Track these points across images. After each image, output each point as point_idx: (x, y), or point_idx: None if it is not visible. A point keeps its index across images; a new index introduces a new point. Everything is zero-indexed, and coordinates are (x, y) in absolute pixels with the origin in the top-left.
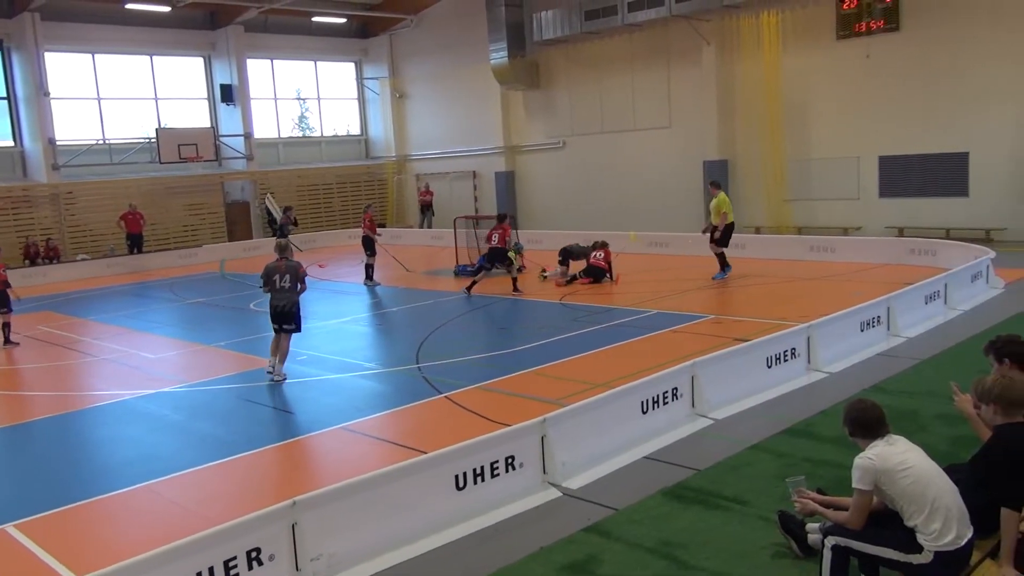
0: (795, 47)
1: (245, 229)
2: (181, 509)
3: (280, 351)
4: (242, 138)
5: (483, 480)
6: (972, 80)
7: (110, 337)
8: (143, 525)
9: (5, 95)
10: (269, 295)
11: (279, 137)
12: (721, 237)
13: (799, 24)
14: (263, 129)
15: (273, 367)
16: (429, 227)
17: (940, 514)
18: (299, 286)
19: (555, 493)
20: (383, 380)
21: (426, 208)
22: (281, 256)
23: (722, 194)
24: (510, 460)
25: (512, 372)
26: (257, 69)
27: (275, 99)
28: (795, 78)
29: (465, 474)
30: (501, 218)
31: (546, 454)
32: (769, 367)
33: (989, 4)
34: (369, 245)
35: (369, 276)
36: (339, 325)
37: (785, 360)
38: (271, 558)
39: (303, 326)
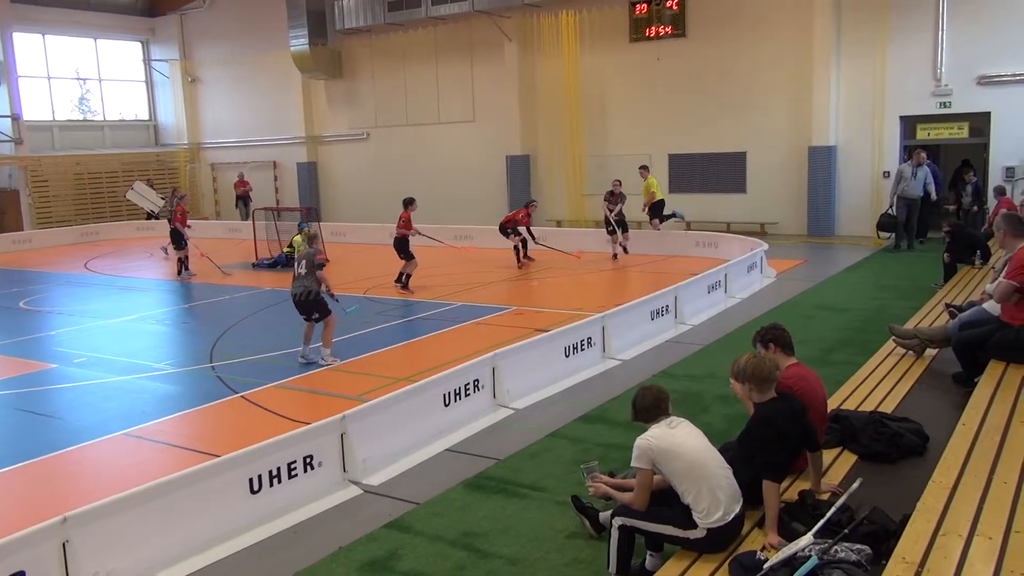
0: (592, 47)
1: (15, 220)
2: None
3: (308, 337)
4: (8, 119)
5: (280, 482)
6: (749, 85)
7: None
8: None
9: None
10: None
11: (54, 120)
12: (651, 212)
13: (596, 25)
14: (36, 111)
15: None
16: (252, 219)
17: (709, 493)
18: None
19: (356, 491)
20: (174, 381)
21: (243, 199)
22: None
23: (651, 177)
24: (308, 459)
25: (312, 369)
26: (27, 44)
27: (48, 78)
28: (593, 77)
29: (260, 476)
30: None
31: (346, 452)
32: (567, 356)
33: (760, 18)
34: (177, 238)
35: (184, 269)
36: (125, 323)
37: (582, 349)
38: None
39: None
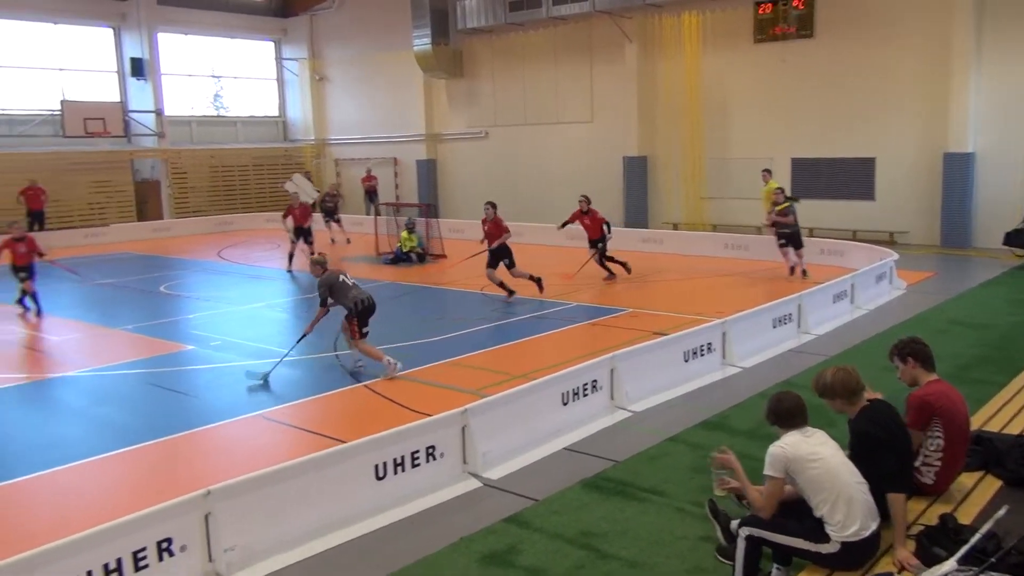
0: (715, 48)
1: (155, 208)
2: (87, 499)
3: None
4: (153, 115)
5: (403, 470)
6: (879, 87)
7: (10, 318)
8: (46, 514)
9: None
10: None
11: (193, 115)
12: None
13: (719, 26)
14: (176, 106)
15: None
16: (378, 214)
17: (844, 505)
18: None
19: (475, 483)
20: (300, 367)
21: (370, 194)
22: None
23: (772, 181)
24: (431, 450)
25: (430, 362)
26: (170, 43)
27: (190, 76)
28: (715, 78)
29: (385, 464)
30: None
31: (467, 444)
32: (686, 361)
33: (893, 18)
34: (305, 233)
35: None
36: (255, 310)
37: (701, 354)
38: (182, 549)
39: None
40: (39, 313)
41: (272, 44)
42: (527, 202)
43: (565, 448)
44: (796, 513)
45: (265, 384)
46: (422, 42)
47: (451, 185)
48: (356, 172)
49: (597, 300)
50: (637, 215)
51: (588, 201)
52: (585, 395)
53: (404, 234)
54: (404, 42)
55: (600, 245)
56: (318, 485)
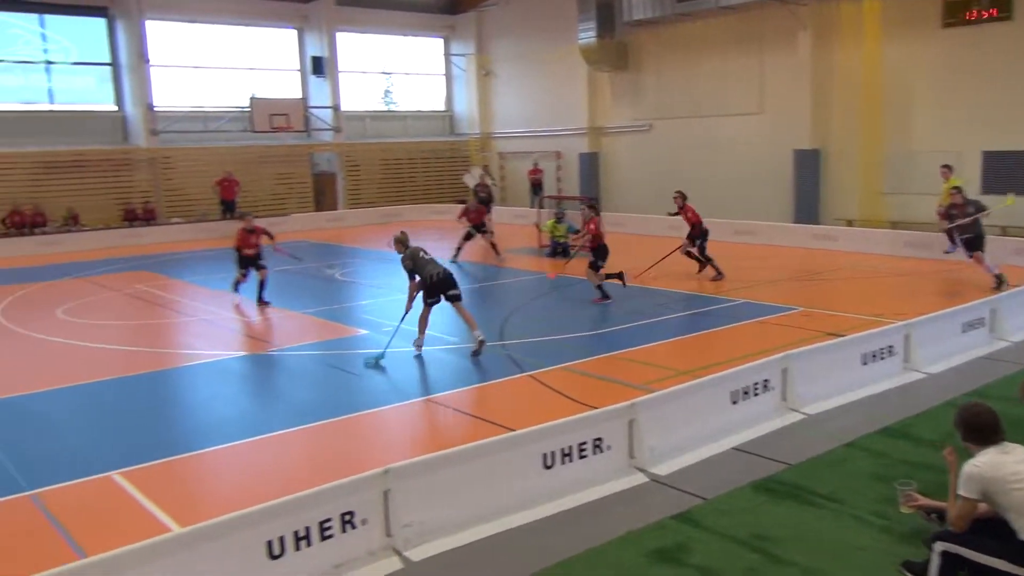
0: (897, 35)
1: (331, 200)
2: (274, 469)
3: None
4: (330, 110)
5: (570, 460)
6: None
7: (205, 299)
8: (240, 482)
9: (110, 61)
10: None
11: (366, 110)
12: (950, 220)
13: (903, 11)
14: (350, 102)
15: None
16: (541, 207)
17: None
18: None
19: (642, 478)
20: (465, 355)
21: (536, 187)
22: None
23: (953, 178)
24: (598, 442)
25: (596, 355)
26: (347, 42)
27: (364, 73)
28: (896, 67)
29: (553, 453)
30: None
31: (634, 438)
32: (864, 364)
33: None
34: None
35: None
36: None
37: (881, 358)
38: (363, 522)
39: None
40: (263, 301)
41: (441, 41)
42: (693, 196)
43: (734, 448)
44: (993, 530)
45: (378, 366)
46: (587, 35)
47: (613, 179)
48: (519, 165)
49: (767, 297)
50: (808, 210)
51: (683, 197)
52: (756, 394)
53: (550, 223)
54: (569, 36)
55: (699, 241)
56: (489, 470)
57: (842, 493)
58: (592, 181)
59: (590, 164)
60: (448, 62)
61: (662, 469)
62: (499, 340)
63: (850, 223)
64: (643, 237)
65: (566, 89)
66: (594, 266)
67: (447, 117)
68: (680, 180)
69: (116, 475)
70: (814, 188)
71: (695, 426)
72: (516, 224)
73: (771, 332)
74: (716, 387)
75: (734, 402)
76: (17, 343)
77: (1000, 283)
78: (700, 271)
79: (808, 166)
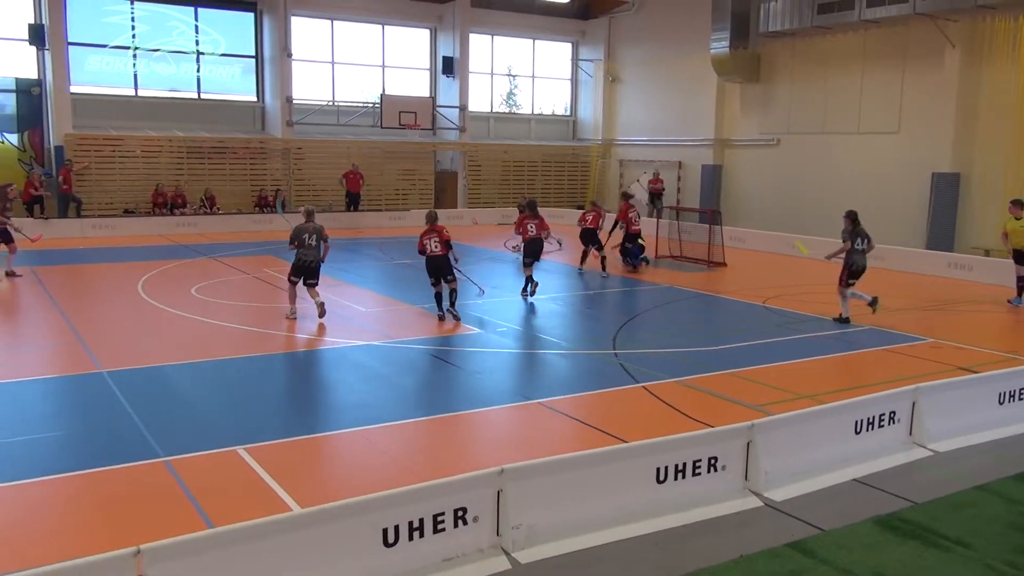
0: None
1: (452, 198)
2: (391, 458)
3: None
4: (457, 110)
5: (683, 477)
6: None
7: (325, 287)
8: (358, 467)
9: (254, 54)
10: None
11: (491, 112)
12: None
13: None
14: (476, 102)
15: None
16: (659, 217)
17: None
18: (324, 246)
19: (756, 502)
20: (578, 361)
21: (656, 197)
22: (308, 220)
23: None
24: (713, 461)
25: (711, 371)
26: (477, 44)
27: (491, 74)
28: None
29: (666, 468)
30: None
31: (750, 460)
32: (1001, 403)
33: None
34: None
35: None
36: (537, 301)
37: (1020, 399)
38: (475, 519)
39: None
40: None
41: (570, 45)
42: (816, 215)
43: (855, 479)
44: None
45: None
46: (720, 45)
47: (736, 192)
48: (638, 173)
49: (894, 325)
50: (942, 237)
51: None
52: (880, 426)
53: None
54: (701, 45)
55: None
56: (602, 479)
57: (972, 538)
58: (714, 194)
59: (713, 176)
60: (575, 67)
61: (777, 494)
62: (612, 349)
63: (987, 253)
64: (762, 254)
65: (693, 99)
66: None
67: (570, 122)
68: (806, 198)
69: (241, 450)
70: (951, 214)
71: (814, 453)
72: None
73: (898, 362)
74: (839, 415)
75: (857, 432)
76: (154, 316)
77: None
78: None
79: (946, 190)
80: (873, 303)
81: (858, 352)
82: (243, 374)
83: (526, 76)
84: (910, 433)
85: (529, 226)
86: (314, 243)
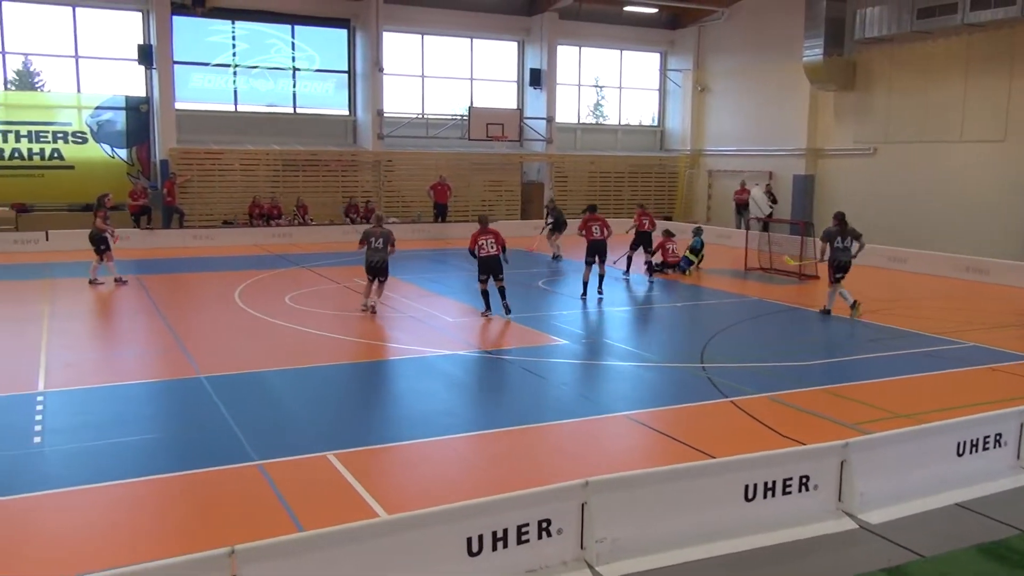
0: None
1: (538, 209)
2: (475, 467)
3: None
4: (544, 121)
5: (773, 495)
6: None
7: (415, 297)
8: (443, 475)
9: (347, 69)
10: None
11: (578, 123)
12: None
13: None
14: (563, 114)
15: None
16: (746, 228)
17: None
18: (389, 248)
19: (850, 524)
20: (664, 374)
21: (742, 207)
22: (377, 224)
23: None
24: (804, 480)
25: (803, 386)
26: (564, 55)
27: (578, 85)
28: None
29: (755, 486)
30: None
31: (844, 480)
32: None
33: None
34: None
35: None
36: (621, 312)
37: None
38: (559, 532)
39: None
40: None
41: (658, 55)
42: (918, 227)
43: (956, 504)
44: None
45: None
46: (813, 52)
47: (829, 202)
48: (727, 184)
49: (999, 343)
50: None
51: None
52: (985, 448)
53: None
54: (793, 53)
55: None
56: (688, 494)
57: None
58: (806, 205)
59: (804, 187)
60: (663, 77)
61: (873, 517)
62: (700, 362)
63: None
64: (857, 267)
65: (785, 108)
66: (644, 250)
67: (658, 132)
68: (904, 208)
69: (330, 455)
70: None
71: (914, 475)
72: (721, 245)
73: (1003, 381)
74: (941, 435)
75: (959, 454)
76: (250, 324)
77: None
78: None
79: None
80: (854, 306)
81: (960, 370)
82: (333, 381)
83: (613, 87)
84: (1018, 457)
85: (594, 228)
86: (380, 246)
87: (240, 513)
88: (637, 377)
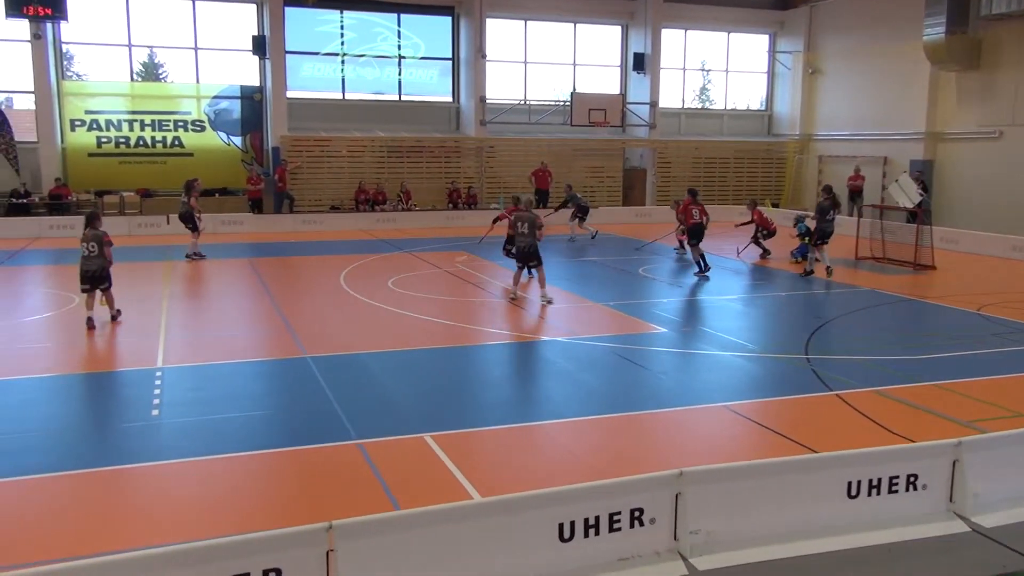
0: None
1: (640, 195)
2: (570, 453)
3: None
4: (647, 106)
5: (878, 494)
6: None
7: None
8: (537, 461)
9: (451, 57)
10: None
11: (682, 107)
12: None
13: None
14: (667, 98)
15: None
16: (859, 215)
17: None
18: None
19: (962, 526)
20: (766, 365)
21: (855, 194)
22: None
23: None
24: (912, 479)
25: (914, 381)
26: (669, 38)
27: (683, 69)
28: None
29: (859, 483)
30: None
31: (956, 481)
32: None
33: None
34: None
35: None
36: (724, 302)
37: None
38: (652, 521)
39: None
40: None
41: (767, 37)
42: None
43: None
44: None
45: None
46: (934, 31)
47: (950, 189)
48: (838, 170)
49: None
50: None
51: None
52: None
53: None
54: (912, 32)
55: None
56: (788, 489)
57: None
58: (924, 190)
59: (923, 172)
60: (772, 59)
61: (987, 520)
62: (804, 354)
63: None
64: (979, 257)
65: (903, 90)
66: (691, 243)
67: (766, 116)
68: None
69: (427, 436)
70: None
71: None
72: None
73: None
74: None
75: None
76: (354, 307)
77: None
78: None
79: None
80: (829, 270)
81: None
82: (432, 364)
83: (719, 70)
84: None
85: (694, 212)
86: (526, 231)
87: (339, 490)
88: (738, 367)
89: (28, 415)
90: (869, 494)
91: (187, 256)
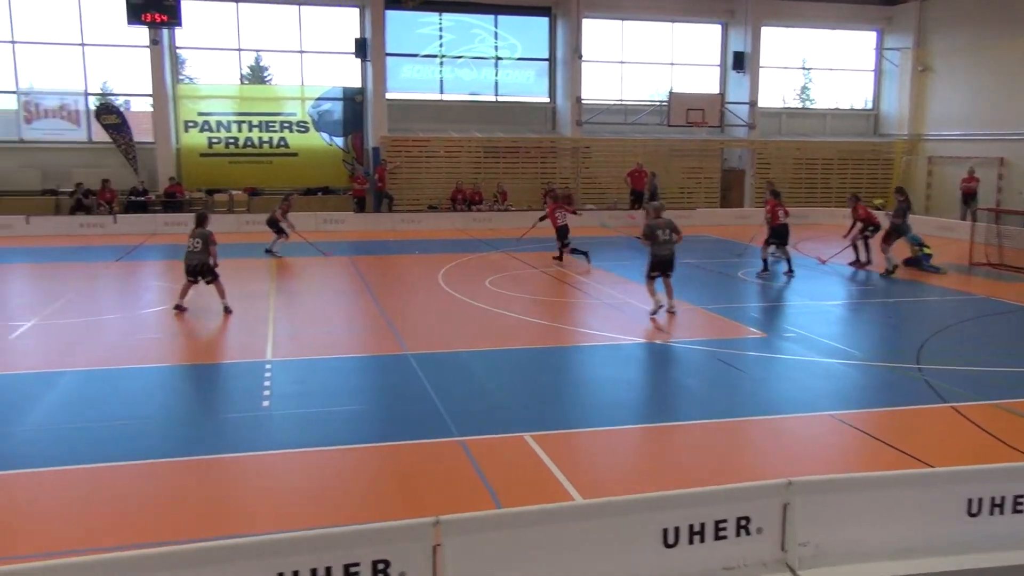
0: None
1: (738, 197)
2: (670, 457)
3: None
4: (747, 106)
5: (1002, 513)
6: None
7: (610, 284)
8: (639, 464)
9: (547, 57)
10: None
11: (783, 107)
12: None
13: None
14: (767, 98)
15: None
16: (973, 219)
17: None
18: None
19: None
20: (873, 374)
21: (969, 197)
22: (658, 215)
23: None
24: None
25: None
26: (770, 37)
27: (784, 68)
28: None
29: (981, 500)
30: (775, 194)
31: None
32: None
33: None
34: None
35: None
36: (829, 307)
37: None
38: (759, 531)
39: None
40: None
41: (874, 34)
42: None
43: None
44: None
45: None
46: None
47: None
48: (950, 172)
49: None
50: None
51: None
52: None
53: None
54: None
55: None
56: (902, 504)
57: None
58: None
59: None
60: (879, 57)
61: None
62: (915, 363)
63: None
64: None
65: (1020, 86)
66: (767, 242)
67: (871, 116)
68: None
69: (528, 436)
70: None
71: None
72: (942, 237)
73: None
74: None
75: None
76: (452, 305)
77: None
78: None
79: None
80: (894, 269)
81: None
82: (530, 364)
83: (822, 69)
84: None
85: (779, 212)
86: (667, 237)
87: (441, 486)
88: (844, 375)
89: (146, 402)
90: (991, 513)
91: (266, 251)
